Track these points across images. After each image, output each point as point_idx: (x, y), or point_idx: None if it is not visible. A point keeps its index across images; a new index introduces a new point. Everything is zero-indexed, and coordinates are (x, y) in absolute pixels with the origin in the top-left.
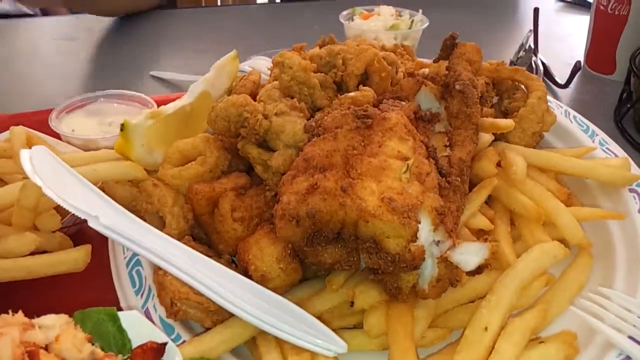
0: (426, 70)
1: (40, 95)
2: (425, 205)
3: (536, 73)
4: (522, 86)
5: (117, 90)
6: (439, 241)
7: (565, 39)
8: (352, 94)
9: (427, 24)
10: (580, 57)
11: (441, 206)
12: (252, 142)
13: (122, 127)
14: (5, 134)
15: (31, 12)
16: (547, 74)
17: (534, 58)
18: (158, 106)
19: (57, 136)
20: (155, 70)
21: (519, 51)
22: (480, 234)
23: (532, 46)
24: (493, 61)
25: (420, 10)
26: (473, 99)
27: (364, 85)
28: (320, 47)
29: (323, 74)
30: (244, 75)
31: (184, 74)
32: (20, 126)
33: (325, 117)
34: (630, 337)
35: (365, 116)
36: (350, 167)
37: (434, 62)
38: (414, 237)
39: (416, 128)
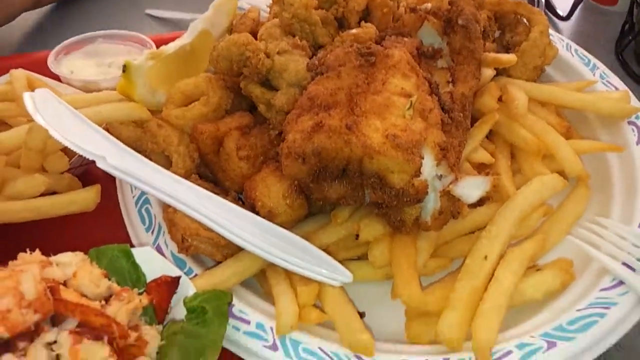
0: (428, 5)
1: (34, 35)
2: (428, 141)
3: (537, 5)
4: (525, 20)
5: (114, 30)
6: (441, 175)
7: None
8: (353, 30)
9: None
10: None
11: (444, 141)
12: (254, 82)
13: (124, 69)
14: (5, 76)
15: None
16: (549, 5)
17: None
18: (157, 46)
19: (56, 78)
20: (151, 8)
21: None
22: (482, 168)
23: None
24: None
25: None
26: (476, 34)
27: (365, 21)
28: None
29: (324, 10)
30: (244, 13)
31: (180, 11)
32: (20, 69)
33: (328, 55)
34: (624, 264)
35: (368, 54)
36: (355, 104)
37: None
38: (418, 172)
39: (419, 64)
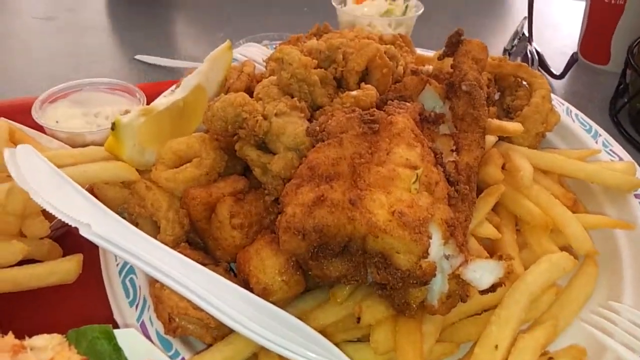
0: (430, 68)
1: (19, 80)
2: (435, 218)
3: (531, 63)
4: (525, 83)
5: (102, 78)
6: (449, 255)
7: (558, 27)
8: (354, 92)
9: (422, 10)
10: (573, 45)
11: (451, 218)
12: (250, 144)
13: (113, 126)
14: None
15: None
16: (542, 63)
17: (529, 47)
18: (145, 93)
19: (40, 128)
20: (139, 54)
21: (513, 39)
22: (487, 242)
23: (527, 34)
24: (495, 56)
25: None
26: (480, 101)
27: (364, 81)
28: (315, 35)
29: (323, 69)
30: (238, 67)
31: (168, 57)
32: (2, 119)
33: (330, 121)
34: None
35: (371, 121)
36: (358, 176)
37: (439, 59)
38: (425, 253)
39: (421, 130)
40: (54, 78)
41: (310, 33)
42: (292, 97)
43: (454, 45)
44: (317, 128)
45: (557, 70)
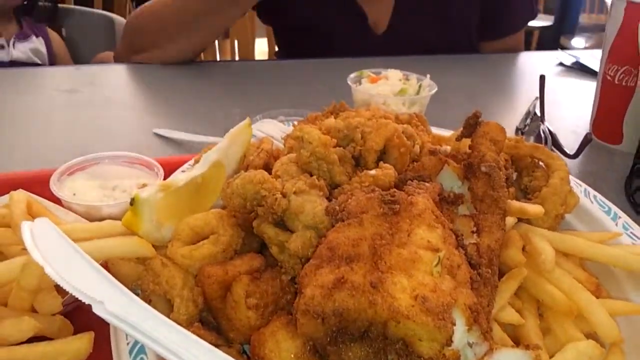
0: (447, 148)
1: (39, 152)
2: (458, 303)
3: (545, 142)
4: (542, 164)
5: (121, 152)
6: (473, 343)
7: (569, 106)
8: (372, 172)
9: (436, 89)
10: (585, 124)
11: (474, 303)
12: (268, 221)
13: (132, 201)
14: (4, 198)
15: (39, 62)
16: (556, 143)
17: (541, 126)
18: (164, 168)
19: (57, 200)
20: (158, 127)
21: (525, 118)
22: (508, 327)
23: (539, 114)
24: (511, 137)
25: (428, 75)
26: (500, 182)
27: (381, 160)
28: (331, 113)
29: (341, 147)
30: (256, 143)
31: (187, 132)
32: (21, 191)
33: (349, 201)
34: None
35: (392, 201)
36: (379, 258)
37: (457, 140)
38: (449, 341)
39: (440, 210)
40: (73, 151)
41: (327, 111)
42: (311, 175)
43: (472, 126)
44: (337, 207)
45: (570, 150)
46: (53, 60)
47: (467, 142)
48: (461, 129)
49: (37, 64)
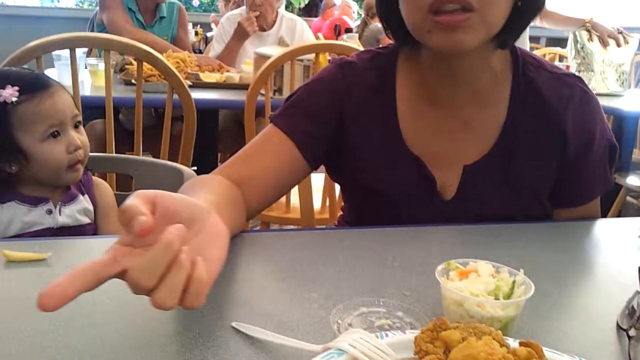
0: None
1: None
2: None
3: None
4: None
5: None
6: None
7: None
8: None
9: (532, 291)
10: None
11: None
12: None
13: None
14: None
15: (87, 222)
16: None
17: None
18: None
19: None
20: (237, 320)
21: (629, 316)
22: None
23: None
24: None
25: (522, 270)
26: None
27: None
28: (431, 331)
29: None
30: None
31: (267, 330)
32: None
33: None
34: None
35: None
36: None
37: None
38: None
39: None
40: None
41: (427, 329)
42: None
43: None
44: None
45: None
46: (100, 219)
47: None
48: None
49: (82, 226)
